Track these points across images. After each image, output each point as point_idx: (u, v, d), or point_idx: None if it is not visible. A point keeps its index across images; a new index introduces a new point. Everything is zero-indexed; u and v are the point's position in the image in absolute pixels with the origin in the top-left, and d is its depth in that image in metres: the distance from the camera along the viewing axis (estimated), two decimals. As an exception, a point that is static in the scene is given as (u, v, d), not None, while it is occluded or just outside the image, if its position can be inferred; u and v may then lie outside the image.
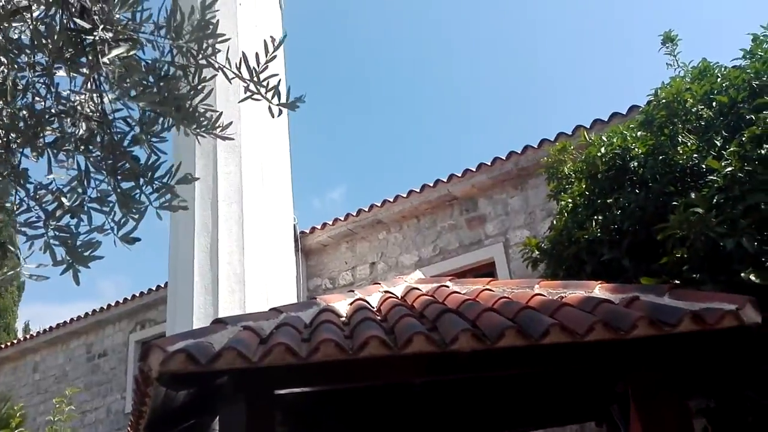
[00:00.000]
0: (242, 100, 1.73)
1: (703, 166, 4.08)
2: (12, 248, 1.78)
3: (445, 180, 8.61)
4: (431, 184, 8.70)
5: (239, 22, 9.40)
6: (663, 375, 3.51)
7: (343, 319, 3.87)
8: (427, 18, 26.40)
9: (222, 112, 1.70)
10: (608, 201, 4.70)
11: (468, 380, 4.76)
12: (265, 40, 1.72)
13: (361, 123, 28.87)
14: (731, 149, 3.94)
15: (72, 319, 11.92)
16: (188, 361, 2.97)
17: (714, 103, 4.41)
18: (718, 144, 4.16)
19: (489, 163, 8.33)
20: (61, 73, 1.48)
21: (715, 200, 3.76)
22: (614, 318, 3.20)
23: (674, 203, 4.01)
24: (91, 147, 1.54)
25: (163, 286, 10.45)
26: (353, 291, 4.62)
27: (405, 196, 8.89)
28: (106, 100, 1.49)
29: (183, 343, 3.08)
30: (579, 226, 4.85)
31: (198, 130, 1.65)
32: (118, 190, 1.51)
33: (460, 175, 8.50)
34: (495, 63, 26.64)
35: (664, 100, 4.53)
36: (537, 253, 5.11)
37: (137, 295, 11.18)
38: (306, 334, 3.41)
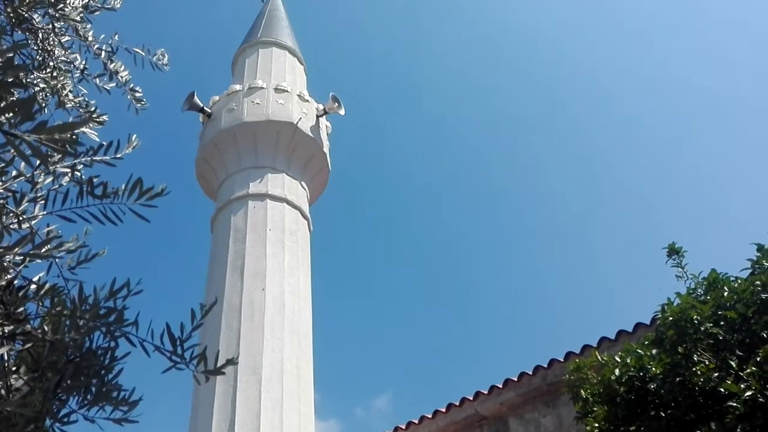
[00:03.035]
0: (165, 371, 1.72)
1: (722, 389, 3.77)
2: None
3: (471, 398, 8.19)
4: (457, 403, 8.27)
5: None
6: None
7: None
8: (446, 236, 27.63)
9: (134, 388, 1.68)
10: (631, 429, 4.33)
11: None
12: (192, 309, 1.76)
13: (403, 330, 28.74)
14: (749, 370, 3.67)
15: None
16: None
17: (724, 320, 4.22)
18: (734, 364, 3.89)
19: (516, 379, 7.95)
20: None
21: (738, 430, 3.41)
22: None
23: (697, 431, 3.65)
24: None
25: None
26: None
27: (431, 417, 8.42)
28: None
29: None
30: (604, 458, 4.41)
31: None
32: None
33: (486, 392, 8.09)
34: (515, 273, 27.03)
35: (671, 318, 4.37)
36: (561, 490, 4.60)
37: None
38: None
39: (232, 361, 1.83)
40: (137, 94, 2.58)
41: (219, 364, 1.79)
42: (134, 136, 2.36)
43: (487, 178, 27.78)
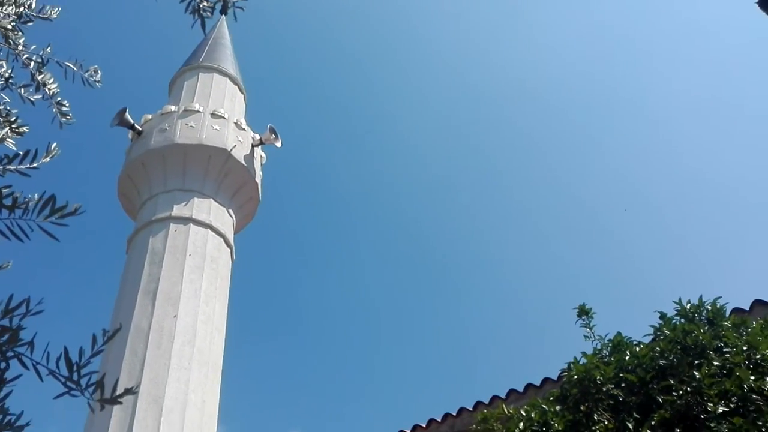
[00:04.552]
0: (57, 396, 1.64)
1: (618, 450, 3.92)
2: None
3: (379, 444, 8.11)
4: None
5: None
6: None
7: None
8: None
9: (22, 412, 1.58)
10: (531, 483, 4.40)
11: None
12: (94, 334, 1.69)
13: (317, 369, 28.28)
14: (643, 433, 3.84)
15: None
16: None
17: (624, 383, 4.41)
18: (631, 426, 4.06)
19: (424, 425, 7.97)
20: None
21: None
22: None
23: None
24: None
25: None
26: None
27: (336, 460, 8.27)
28: None
29: None
30: None
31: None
32: None
33: (394, 438, 8.05)
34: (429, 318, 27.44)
35: (576, 377, 4.53)
36: None
37: None
38: None
39: (130, 391, 1.76)
40: (63, 108, 2.49)
41: (117, 393, 1.71)
42: (54, 144, 2.27)
43: (416, 227, 28.24)
